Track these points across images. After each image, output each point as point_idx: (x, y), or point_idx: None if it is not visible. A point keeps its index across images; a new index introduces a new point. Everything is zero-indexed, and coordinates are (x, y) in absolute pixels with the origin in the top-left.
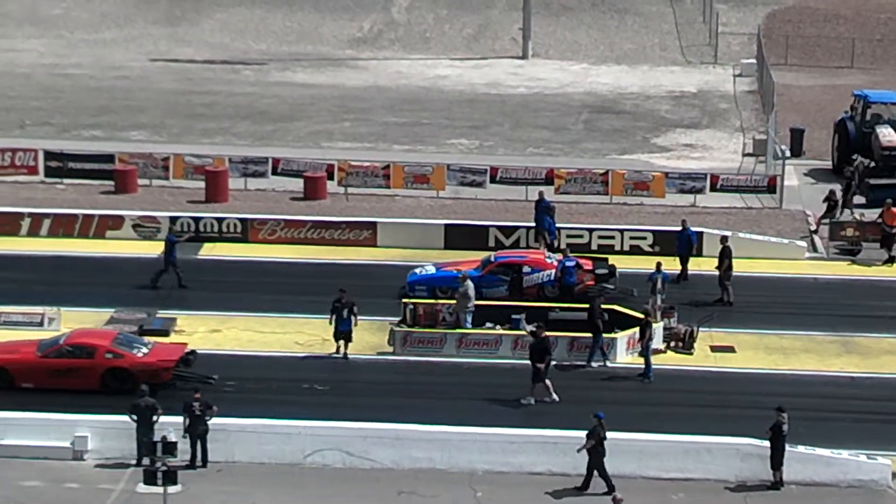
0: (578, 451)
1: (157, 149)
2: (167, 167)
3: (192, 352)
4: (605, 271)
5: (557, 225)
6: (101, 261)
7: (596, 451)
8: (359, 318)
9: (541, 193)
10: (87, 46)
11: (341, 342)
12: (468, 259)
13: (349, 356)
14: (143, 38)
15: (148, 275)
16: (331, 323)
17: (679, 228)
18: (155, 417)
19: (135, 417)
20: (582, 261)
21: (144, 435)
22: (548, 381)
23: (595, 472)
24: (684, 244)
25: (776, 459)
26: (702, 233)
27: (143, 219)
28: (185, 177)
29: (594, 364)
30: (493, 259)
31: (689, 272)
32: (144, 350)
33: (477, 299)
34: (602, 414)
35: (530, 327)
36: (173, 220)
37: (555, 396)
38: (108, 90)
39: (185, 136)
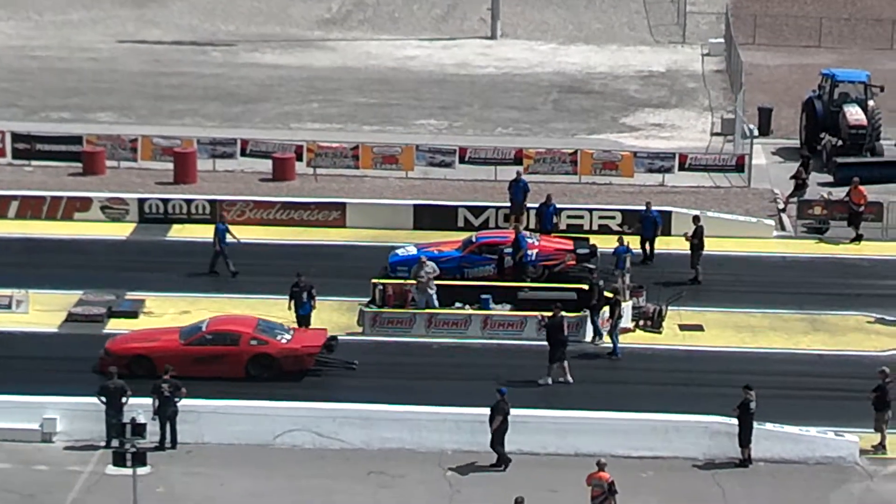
0: (493, 431)
1: (125, 130)
2: (135, 149)
3: (334, 337)
4: (586, 251)
5: (528, 205)
6: (69, 243)
7: (499, 427)
8: (329, 299)
9: (518, 173)
10: (55, 28)
11: (302, 327)
12: (449, 240)
13: None
14: (111, 20)
15: (116, 256)
16: (290, 307)
17: (643, 210)
18: (124, 399)
19: (104, 399)
20: (563, 241)
21: (114, 417)
22: (565, 364)
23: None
24: (649, 226)
25: (744, 437)
26: (670, 212)
27: (111, 201)
28: (154, 158)
29: (599, 343)
30: (474, 239)
31: (658, 251)
32: (287, 336)
33: (459, 280)
34: (505, 389)
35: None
36: (142, 201)
37: (569, 378)
38: (76, 72)
39: (153, 118)
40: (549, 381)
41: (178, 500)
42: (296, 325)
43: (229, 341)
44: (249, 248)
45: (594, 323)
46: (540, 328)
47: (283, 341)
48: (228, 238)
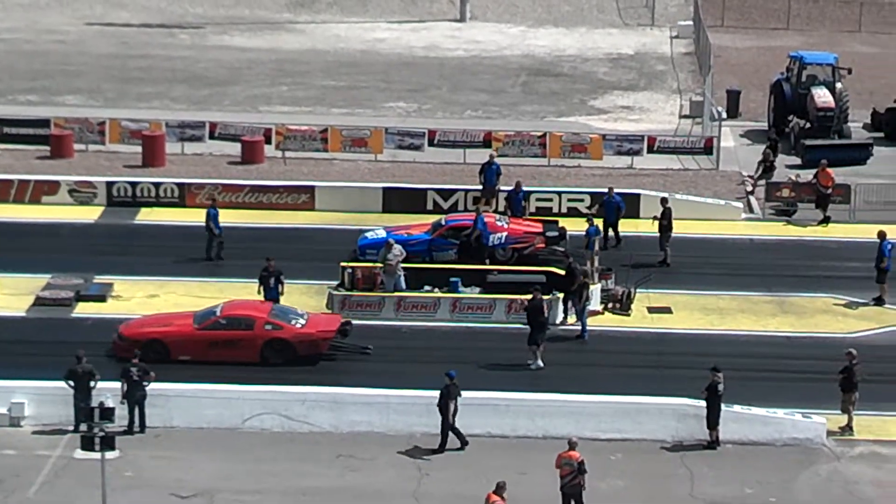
0: (447, 414)
1: (93, 113)
2: (103, 132)
3: (348, 322)
4: (555, 234)
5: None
6: (37, 226)
7: (448, 408)
8: (298, 282)
9: (491, 156)
10: (21, 10)
11: None
12: (418, 222)
13: None
14: (78, 2)
15: (84, 240)
16: (259, 292)
17: (605, 195)
18: (92, 383)
19: (71, 384)
20: (532, 223)
21: (82, 401)
22: (540, 348)
23: (450, 430)
24: (612, 211)
25: (712, 419)
26: (639, 195)
27: (79, 184)
28: (122, 141)
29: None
30: (444, 222)
31: (626, 234)
32: (301, 321)
33: (427, 263)
34: (454, 373)
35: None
36: (110, 184)
37: (539, 363)
38: (44, 54)
39: (121, 101)
40: (541, 363)
41: (147, 484)
42: (312, 311)
43: (244, 326)
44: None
45: (575, 307)
46: (519, 311)
47: (298, 326)
48: None
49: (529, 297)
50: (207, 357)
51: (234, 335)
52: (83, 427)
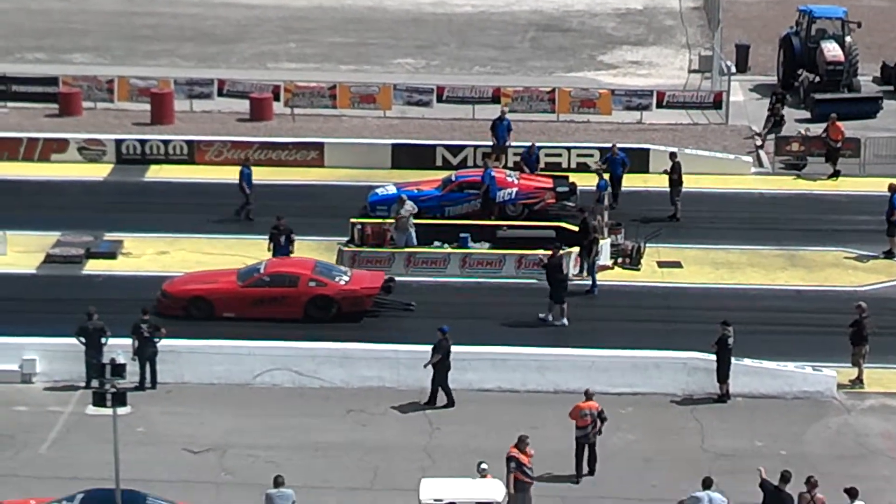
0: (425, 366)
1: (101, 71)
2: (112, 90)
3: (392, 278)
4: (565, 189)
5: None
6: (46, 184)
7: (442, 365)
8: (308, 238)
9: (502, 112)
10: None
11: None
12: (429, 178)
13: None
14: None
15: (94, 198)
16: (269, 249)
17: (608, 153)
18: (103, 340)
19: (83, 340)
20: (542, 178)
21: (93, 357)
22: (564, 305)
23: (440, 387)
24: (617, 167)
25: (722, 373)
26: (648, 149)
27: (88, 142)
28: (130, 99)
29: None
30: (454, 178)
31: (636, 189)
32: (345, 278)
33: (439, 219)
34: (447, 328)
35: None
36: (119, 142)
37: (564, 321)
38: (50, 12)
39: (129, 59)
40: (551, 317)
41: (159, 440)
42: (357, 269)
43: (288, 283)
44: (227, 189)
45: (585, 262)
46: (531, 267)
47: (342, 283)
48: None
49: (549, 253)
50: (252, 314)
51: (278, 292)
52: (95, 383)
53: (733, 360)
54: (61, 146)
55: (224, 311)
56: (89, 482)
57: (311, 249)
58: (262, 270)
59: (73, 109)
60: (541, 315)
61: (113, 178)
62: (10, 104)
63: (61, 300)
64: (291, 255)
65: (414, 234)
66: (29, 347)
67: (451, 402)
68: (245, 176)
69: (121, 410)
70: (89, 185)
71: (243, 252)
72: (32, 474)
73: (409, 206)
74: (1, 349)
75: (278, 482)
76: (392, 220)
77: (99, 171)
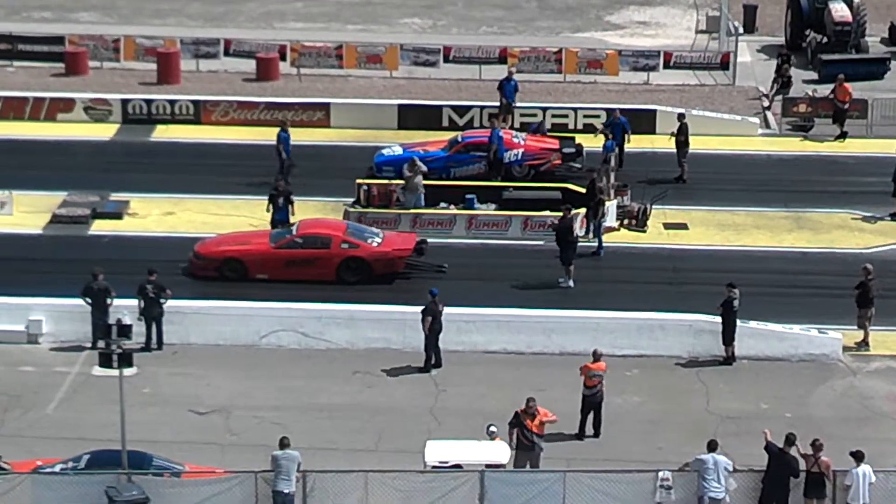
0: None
1: (107, 30)
2: (118, 49)
3: (424, 240)
4: (572, 150)
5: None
6: (52, 144)
7: (431, 327)
8: (314, 199)
9: (510, 72)
10: None
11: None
12: (434, 139)
13: None
14: None
15: (100, 157)
16: (268, 211)
17: (610, 117)
18: (108, 300)
19: (88, 301)
20: (548, 139)
21: (99, 318)
22: (571, 267)
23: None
24: (618, 132)
25: (727, 335)
26: (655, 110)
27: (94, 101)
28: (137, 58)
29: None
30: (460, 139)
31: (643, 150)
32: (377, 240)
33: (445, 179)
34: (436, 290)
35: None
36: (125, 102)
37: (570, 283)
38: None
39: (135, 18)
40: (571, 283)
41: (165, 401)
42: (388, 231)
43: (320, 244)
44: (233, 149)
45: (591, 223)
46: (550, 229)
47: (374, 244)
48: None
49: (560, 215)
50: (284, 275)
51: (310, 254)
52: (101, 344)
53: (739, 322)
54: (67, 106)
55: (257, 272)
56: (95, 443)
57: (316, 210)
58: (294, 232)
59: (80, 69)
60: (560, 281)
61: (119, 137)
62: (16, 63)
63: (67, 260)
64: (291, 216)
65: (423, 196)
66: (35, 308)
67: (437, 363)
68: (283, 140)
69: (127, 371)
70: (95, 145)
71: (249, 213)
72: (39, 435)
73: (421, 167)
74: (7, 310)
75: (284, 444)
76: (401, 182)
77: (105, 131)
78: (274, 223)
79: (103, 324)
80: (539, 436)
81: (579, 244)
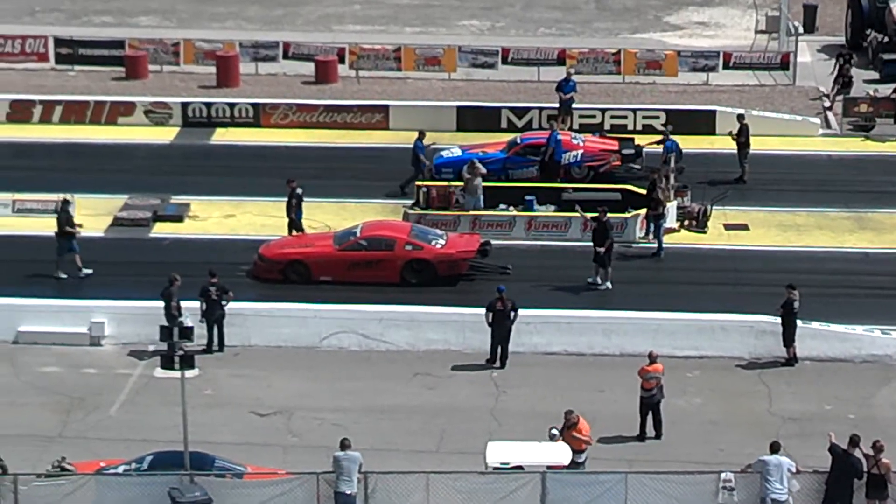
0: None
1: (167, 34)
2: (178, 52)
3: (488, 242)
4: (631, 151)
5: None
6: (113, 147)
7: (496, 324)
8: (373, 201)
9: (568, 73)
10: None
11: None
12: (493, 141)
13: None
14: None
15: (160, 161)
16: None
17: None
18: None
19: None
20: (608, 141)
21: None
22: (609, 269)
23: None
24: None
25: (788, 336)
26: (714, 111)
27: (154, 105)
28: (196, 62)
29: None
30: (519, 140)
31: (703, 151)
32: (441, 241)
33: (503, 181)
34: (503, 287)
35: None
36: (185, 105)
37: (608, 284)
38: None
39: (194, 21)
40: (599, 280)
41: (226, 402)
42: (451, 233)
43: (384, 246)
44: (292, 152)
45: (652, 224)
46: (585, 230)
47: (438, 246)
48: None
49: (596, 215)
50: (348, 277)
51: (374, 256)
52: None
53: (801, 323)
54: (128, 109)
55: (321, 274)
56: (158, 444)
57: (376, 212)
58: (358, 234)
59: (140, 72)
60: (599, 285)
61: (179, 141)
62: (77, 67)
63: (129, 263)
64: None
65: (482, 198)
66: (97, 310)
67: (502, 363)
68: (418, 149)
69: (189, 373)
70: (156, 149)
71: (309, 215)
72: (101, 436)
73: (480, 169)
74: (70, 312)
75: (345, 445)
76: (460, 183)
77: (165, 135)
78: (296, 224)
79: (173, 327)
80: (575, 451)
81: (641, 245)
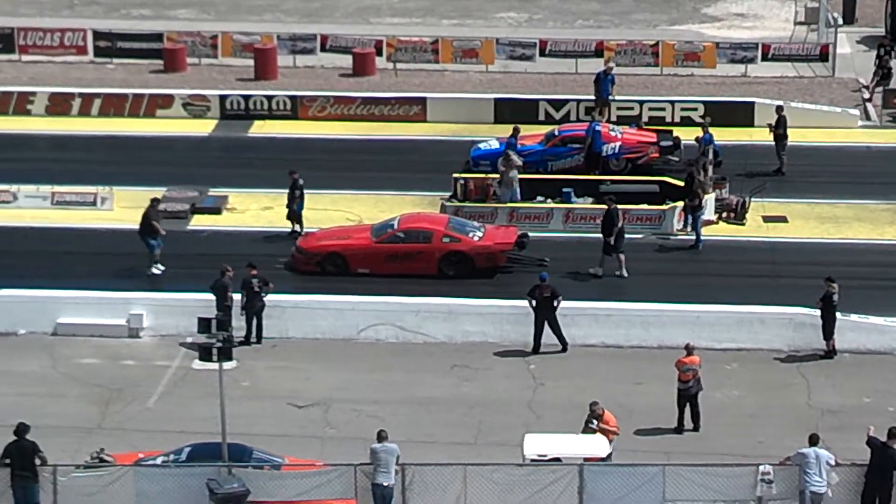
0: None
1: (205, 27)
2: (216, 45)
3: (525, 234)
4: (669, 143)
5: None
6: (152, 140)
7: (539, 310)
8: (411, 193)
9: (608, 67)
10: None
11: (296, 225)
12: (532, 133)
13: None
14: None
15: (198, 153)
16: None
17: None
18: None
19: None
20: (646, 133)
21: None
22: (621, 256)
23: (549, 330)
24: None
25: (827, 329)
26: (753, 103)
27: (193, 97)
28: (234, 55)
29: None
30: (557, 133)
31: (741, 143)
32: (479, 234)
33: (542, 173)
34: (545, 275)
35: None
36: (223, 98)
37: (624, 272)
38: None
39: (232, 14)
40: (625, 272)
41: (264, 394)
42: (489, 224)
43: (422, 239)
44: (330, 144)
45: (694, 216)
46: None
47: (476, 238)
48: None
49: (605, 206)
50: (386, 270)
51: (411, 248)
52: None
53: (840, 315)
54: (166, 102)
55: (358, 266)
56: (196, 436)
57: (414, 205)
58: (395, 226)
59: (178, 65)
60: (591, 269)
61: (217, 133)
62: (115, 60)
63: (167, 255)
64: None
65: (518, 190)
66: (136, 302)
67: (534, 348)
68: (510, 147)
69: (226, 365)
70: (194, 141)
71: (346, 207)
72: (140, 428)
73: (517, 161)
74: (108, 304)
75: (382, 437)
76: (496, 175)
77: (203, 127)
78: (296, 215)
79: (221, 319)
80: None
81: (679, 237)
